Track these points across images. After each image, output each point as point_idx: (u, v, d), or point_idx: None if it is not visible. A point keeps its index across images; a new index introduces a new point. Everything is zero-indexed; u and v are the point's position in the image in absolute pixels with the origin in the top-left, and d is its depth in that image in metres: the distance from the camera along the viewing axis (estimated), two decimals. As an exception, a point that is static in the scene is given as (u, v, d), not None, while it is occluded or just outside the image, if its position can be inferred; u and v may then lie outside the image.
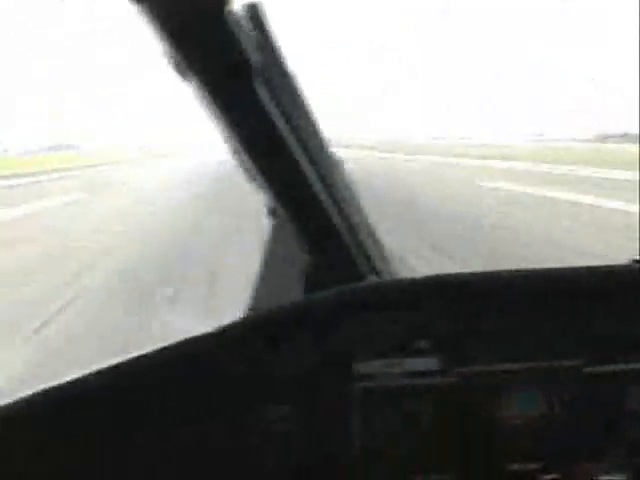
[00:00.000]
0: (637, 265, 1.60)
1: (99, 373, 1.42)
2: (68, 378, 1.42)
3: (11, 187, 23.30)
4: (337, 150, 1.59)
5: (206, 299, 6.67)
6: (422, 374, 1.49)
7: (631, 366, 1.53)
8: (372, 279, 1.60)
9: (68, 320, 6.26)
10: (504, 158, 28.94)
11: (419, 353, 1.49)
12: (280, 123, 1.34)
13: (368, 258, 1.61)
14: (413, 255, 7.87)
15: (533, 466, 1.51)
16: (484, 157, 30.44)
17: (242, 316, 1.62)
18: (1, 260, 9.41)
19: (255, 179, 1.53)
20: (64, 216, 14.64)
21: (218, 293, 6.86)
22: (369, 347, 1.48)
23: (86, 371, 1.42)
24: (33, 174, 29.41)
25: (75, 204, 16.77)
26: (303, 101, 1.44)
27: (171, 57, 1.27)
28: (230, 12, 1.19)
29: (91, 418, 1.42)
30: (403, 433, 1.49)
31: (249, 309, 1.60)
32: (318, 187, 1.46)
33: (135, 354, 1.43)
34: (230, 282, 6.89)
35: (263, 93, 1.30)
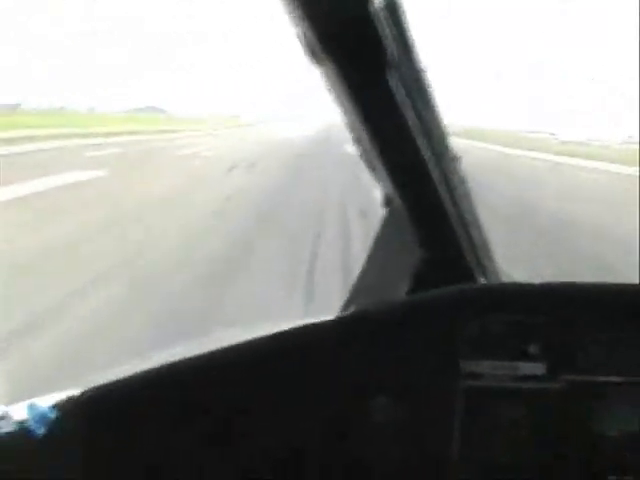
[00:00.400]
0: None
1: (212, 353, 1.45)
2: (176, 357, 1.45)
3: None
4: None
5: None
6: (528, 378, 1.50)
7: None
8: (482, 280, 1.61)
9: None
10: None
11: (528, 357, 1.50)
12: (408, 114, 1.35)
13: (478, 258, 1.61)
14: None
15: (629, 479, 1.50)
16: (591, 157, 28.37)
17: (345, 305, 1.64)
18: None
19: (374, 168, 1.54)
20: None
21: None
22: (478, 348, 1.49)
23: (194, 351, 1.46)
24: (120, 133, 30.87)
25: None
26: (431, 95, 1.44)
27: (305, 41, 1.29)
28: (372, 4, 1.21)
29: (206, 397, 1.45)
30: (503, 435, 1.50)
31: (352, 298, 1.62)
32: (438, 180, 1.46)
33: (247, 337, 1.46)
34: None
35: (395, 85, 1.30)
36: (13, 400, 1.40)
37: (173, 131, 38.71)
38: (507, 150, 31.49)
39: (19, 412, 1.35)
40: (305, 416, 1.46)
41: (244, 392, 1.45)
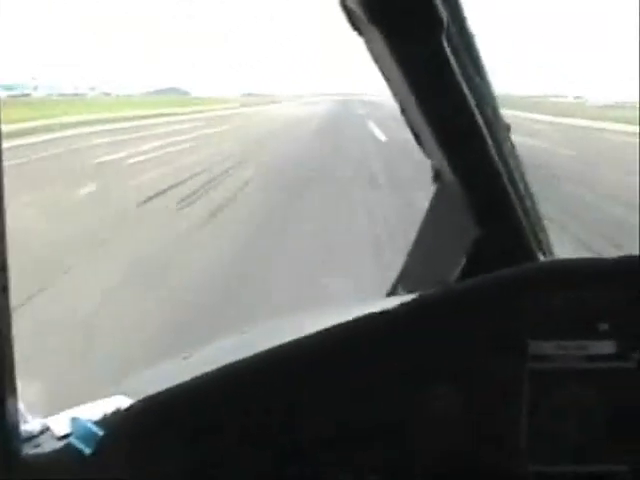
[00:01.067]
0: None
1: (268, 351, 1.39)
2: (223, 355, 1.40)
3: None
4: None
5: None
6: (598, 358, 1.44)
7: None
8: (541, 258, 1.55)
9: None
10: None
11: (597, 336, 1.44)
12: (460, 81, 1.29)
13: (536, 235, 1.55)
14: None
15: None
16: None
17: (395, 286, 1.60)
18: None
19: (423, 139, 1.49)
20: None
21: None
22: (544, 328, 1.43)
23: (242, 347, 1.42)
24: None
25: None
26: (482, 61, 1.38)
27: (350, 8, 1.24)
28: None
29: (266, 399, 1.39)
30: (573, 418, 1.45)
31: (403, 278, 1.57)
32: (492, 151, 1.40)
33: (309, 331, 1.40)
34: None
35: (446, 50, 1.25)
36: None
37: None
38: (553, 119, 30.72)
39: (60, 425, 1.26)
40: (363, 407, 1.41)
41: (303, 389, 1.40)
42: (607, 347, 1.43)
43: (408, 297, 1.47)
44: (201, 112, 42.88)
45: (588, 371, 1.44)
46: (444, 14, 1.21)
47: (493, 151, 1.41)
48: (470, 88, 1.32)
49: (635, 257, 1.47)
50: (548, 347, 1.43)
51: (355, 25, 1.30)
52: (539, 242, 1.56)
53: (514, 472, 1.45)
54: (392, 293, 1.62)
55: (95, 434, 1.23)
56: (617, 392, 1.44)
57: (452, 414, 1.42)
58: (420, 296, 1.48)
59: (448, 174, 1.47)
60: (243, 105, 58.27)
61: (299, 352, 1.39)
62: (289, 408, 1.39)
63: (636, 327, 1.44)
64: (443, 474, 1.44)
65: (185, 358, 1.50)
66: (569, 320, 1.43)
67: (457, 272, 1.52)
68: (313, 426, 1.40)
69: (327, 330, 1.39)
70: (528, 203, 1.54)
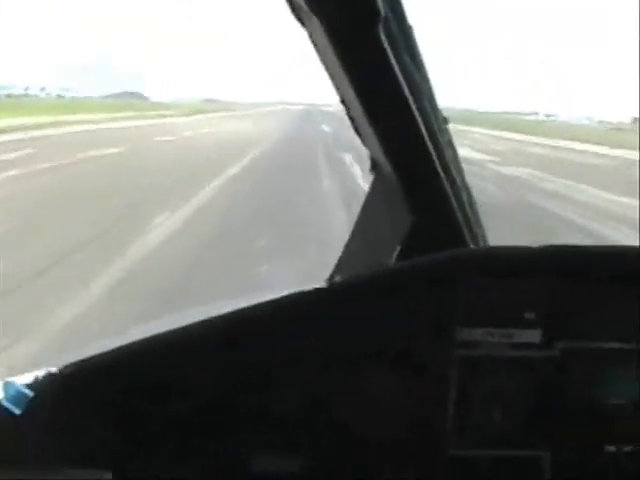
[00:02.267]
0: None
1: (204, 322, 1.46)
2: (174, 324, 1.47)
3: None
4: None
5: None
6: (524, 346, 1.51)
7: None
8: (472, 245, 1.61)
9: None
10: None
11: (523, 324, 1.50)
12: (397, 73, 1.36)
13: (469, 223, 1.63)
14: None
15: (628, 449, 1.53)
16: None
17: (334, 272, 1.66)
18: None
19: (361, 129, 1.56)
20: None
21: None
22: (472, 315, 1.49)
23: (190, 319, 1.47)
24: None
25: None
26: (419, 53, 1.46)
27: (292, 2, 1.31)
28: None
29: (194, 364, 1.45)
30: (498, 404, 1.51)
31: (342, 265, 1.64)
32: (428, 142, 1.48)
33: (241, 304, 1.47)
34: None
35: (385, 42, 1.32)
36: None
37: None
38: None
39: None
40: (295, 388, 1.47)
41: (228, 364, 1.46)
42: (533, 335, 1.50)
43: (342, 281, 1.54)
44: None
45: (514, 359, 1.51)
46: (382, 7, 1.28)
47: (429, 143, 1.48)
48: (408, 81, 1.39)
49: (562, 246, 1.56)
50: (476, 334, 1.49)
51: (298, 16, 1.38)
52: (472, 232, 1.63)
53: (439, 456, 1.51)
54: (331, 279, 1.69)
55: (25, 395, 1.32)
56: (541, 380, 1.52)
57: (382, 397, 1.48)
58: (351, 279, 1.55)
59: (385, 164, 1.55)
60: (189, 114, 56.84)
61: (226, 329, 1.46)
62: (215, 385, 1.45)
63: (561, 316, 1.51)
64: (371, 455, 1.49)
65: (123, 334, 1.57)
66: (497, 308, 1.50)
67: (393, 259, 1.58)
68: (242, 406, 1.46)
69: (255, 309, 1.46)
70: (463, 194, 1.61)
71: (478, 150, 23.90)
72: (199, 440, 1.44)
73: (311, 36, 1.42)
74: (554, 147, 29.37)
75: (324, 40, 1.32)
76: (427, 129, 1.47)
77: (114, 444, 1.42)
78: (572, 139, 32.48)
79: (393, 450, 1.49)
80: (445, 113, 1.56)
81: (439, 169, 1.52)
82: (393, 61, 1.35)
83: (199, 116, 55.25)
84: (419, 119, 1.45)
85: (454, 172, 1.59)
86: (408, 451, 1.50)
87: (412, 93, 1.41)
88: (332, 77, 1.49)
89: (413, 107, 1.42)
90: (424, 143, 1.47)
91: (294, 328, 1.46)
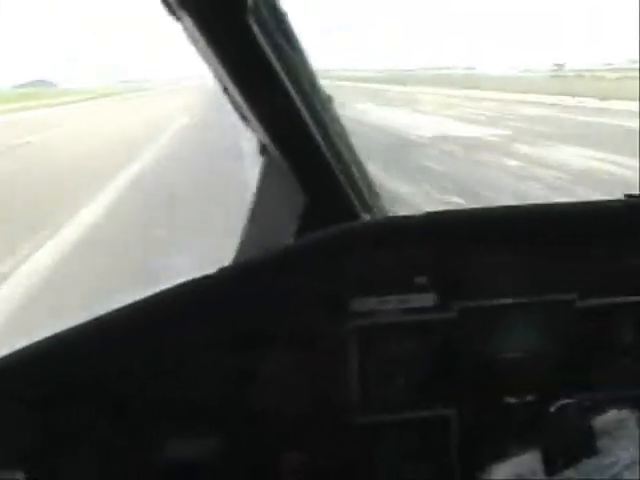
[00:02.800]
0: (630, 200, 1.70)
1: (110, 313, 1.49)
2: (81, 319, 1.49)
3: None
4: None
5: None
6: (419, 310, 1.58)
7: (623, 300, 1.64)
8: (367, 217, 1.68)
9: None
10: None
11: (416, 290, 1.57)
12: (272, 60, 1.41)
13: (361, 196, 1.69)
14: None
15: (529, 399, 1.63)
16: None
17: (236, 257, 1.71)
18: None
19: (246, 116, 1.61)
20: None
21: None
22: (365, 285, 1.56)
23: (93, 312, 1.49)
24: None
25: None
26: (295, 38, 1.51)
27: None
28: None
29: (99, 356, 1.49)
30: (399, 371, 1.59)
31: (243, 250, 1.69)
32: (310, 123, 1.53)
33: (137, 297, 1.50)
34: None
35: (256, 30, 1.35)
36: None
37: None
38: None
39: None
40: (201, 373, 1.52)
41: (134, 352, 1.51)
42: (427, 299, 1.58)
43: (237, 263, 1.60)
44: None
45: (410, 323, 1.59)
46: None
47: (312, 122, 1.53)
48: (285, 65, 1.44)
49: (447, 211, 1.65)
50: (370, 303, 1.56)
51: (172, 12, 1.40)
52: (366, 204, 1.70)
53: (347, 425, 1.58)
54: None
55: None
56: (439, 341, 1.60)
57: (286, 375, 1.54)
58: (246, 262, 1.61)
59: (272, 147, 1.60)
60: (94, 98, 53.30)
61: (131, 318, 1.51)
62: (122, 375, 1.49)
63: (453, 278, 1.59)
64: (280, 433, 1.56)
65: None
66: (389, 276, 1.57)
67: (291, 239, 1.64)
68: (150, 394, 1.51)
69: (158, 297, 1.50)
70: (353, 168, 1.68)
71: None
72: (111, 429, 1.49)
73: (186, 32, 1.44)
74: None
75: (197, 34, 1.35)
76: (309, 110, 1.52)
77: (24, 442, 1.45)
78: (500, 89, 32.84)
79: (301, 426, 1.56)
80: (363, 74, 1.59)
81: (325, 147, 1.58)
82: (267, 49, 1.39)
83: (104, 99, 52.40)
84: (299, 101, 1.49)
85: (342, 148, 1.65)
86: (316, 425, 1.56)
87: (290, 76, 1.46)
88: (211, 68, 1.53)
89: (292, 91, 1.47)
90: (306, 124, 1.52)
91: (197, 313, 1.51)
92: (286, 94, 1.47)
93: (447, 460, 1.63)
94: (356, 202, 1.67)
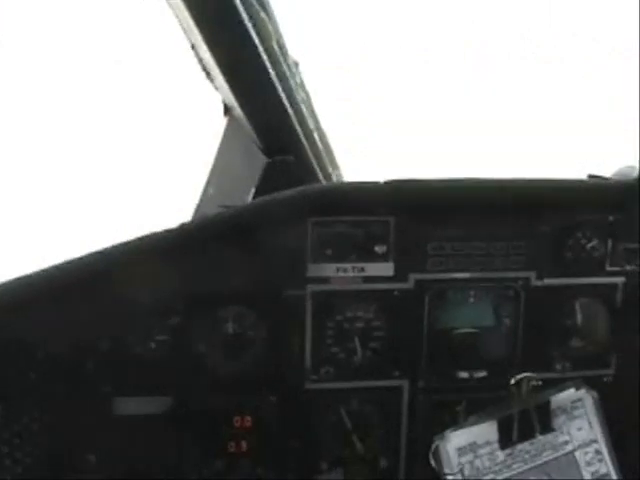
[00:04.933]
0: (592, 180, 1.77)
1: (69, 262, 1.49)
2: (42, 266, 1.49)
3: None
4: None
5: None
6: (376, 279, 1.62)
7: (579, 280, 1.71)
8: (327, 182, 1.73)
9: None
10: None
11: (375, 258, 1.61)
12: (243, 17, 1.44)
13: (322, 163, 1.74)
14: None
15: (481, 374, 1.69)
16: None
17: (194, 215, 1.75)
18: None
19: (212, 74, 1.64)
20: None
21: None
22: (325, 250, 1.59)
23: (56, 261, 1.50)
24: None
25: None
26: None
27: None
28: None
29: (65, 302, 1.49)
30: (354, 337, 1.63)
31: (201, 207, 1.73)
32: (277, 84, 1.57)
33: (108, 244, 1.50)
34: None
35: None
36: None
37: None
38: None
39: None
40: (153, 330, 1.55)
41: (85, 308, 1.51)
42: (385, 269, 1.62)
43: (195, 221, 1.62)
44: None
45: (367, 292, 1.62)
46: None
47: (278, 85, 1.57)
48: (254, 25, 1.47)
49: (408, 180, 1.64)
50: (328, 269, 1.60)
51: None
52: (326, 172, 1.76)
53: (297, 390, 1.63)
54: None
55: None
56: (396, 311, 1.64)
57: (240, 336, 1.58)
58: (204, 219, 1.62)
59: (237, 108, 1.63)
60: None
61: (83, 272, 1.51)
62: (73, 332, 1.52)
63: (412, 248, 1.63)
64: (229, 394, 1.60)
65: None
66: (348, 242, 1.60)
67: (248, 200, 1.67)
68: (101, 351, 1.53)
69: (112, 250, 1.51)
70: (315, 135, 1.73)
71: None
72: (62, 386, 1.51)
73: None
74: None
75: None
76: (276, 72, 1.56)
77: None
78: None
79: (252, 388, 1.61)
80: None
81: (290, 111, 1.62)
82: (239, 7, 1.42)
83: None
84: (267, 62, 1.53)
85: (306, 113, 1.70)
86: (266, 388, 1.61)
87: (259, 36, 1.49)
88: (180, 22, 1.56)
89: (261, 50, 1.50)
90: (273, 86, 1.56)
91: (151, 269, 1.52)
92: (254, 53, 1.49)
93: (396, 429, 1.69)
94: (317, 169, 1.72)
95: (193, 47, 1.62)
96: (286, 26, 1.64)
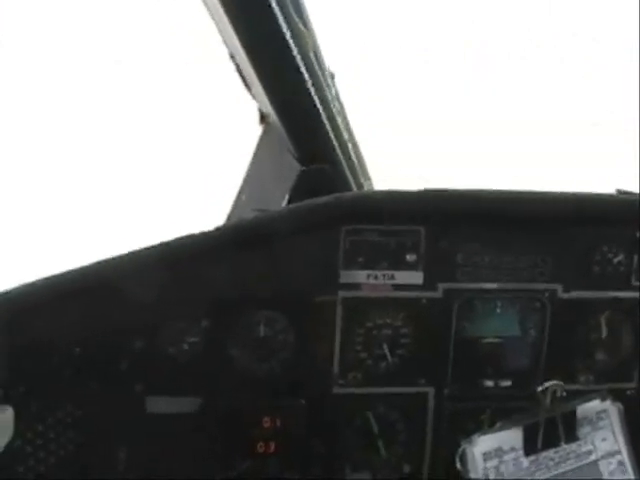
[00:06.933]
0: (621, 196, 1.81)
1: (104, 263, 1.56)
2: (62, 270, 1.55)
3: None
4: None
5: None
6: (406, 287, 1.68)
7: (605, 294, 1.76)
8: (360, 191, 1.79)
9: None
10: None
11: (405, 266, 1.67)
12: (282, 28, 1.49)
13: (355, 174, 1.80)
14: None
15: (505, 383, 1.75)
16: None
17: (228, 219, 1.81)
18: None
19: (250, 82, 1.71)
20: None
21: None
22: (356, 257, 1.65)
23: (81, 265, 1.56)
24: None
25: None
26: (305, 9, 1.63)
27: None
28: None
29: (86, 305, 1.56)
30: (382, 344, 1.70)
31: (234, 213, 1.78)
32: (314, 95, 1.63)
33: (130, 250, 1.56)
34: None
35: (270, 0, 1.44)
36: None
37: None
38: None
39: None
40: (186, 331, 1.62)
41: (119, 308, 1.58)
42: (415, 277, 1.68)
43: (230, 225, 1.70)
44: None
45: (396, 299, 1.69)
46: None
47: (315, 96, 1.64)
48: (293, 36, 1.54)
49: (440, 190, 1.69)
50: (359, 276, 1.66)
51: None
52: (358, 182, 1.83)
53: (324, 394, 1.69)
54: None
55: None
56: (424, 319, 1.70)
57: (271, 338, 1.65)
58: (239, 224, 1.68)
59: (273, 116, 1.70)
60: None
61: (115, 273, 1.58)
62: (106, 331, 1.59)
63: (442, 257, 1.69)
64: (257, 397, 1.67)
65: None
66: (379, 250, 1.66)
67: (282, 206, 1.74)
68: (134, 350, 1.60)
69: (145, 252, 1.57)
70: (349, 146, 1.80)
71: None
72: (96, 384, 1.59)
73: None
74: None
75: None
76: (314, 83, 1.63)
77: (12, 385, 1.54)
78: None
79: (279, 391, 1.67)
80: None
81: (325, 121, 1.69)
82: (279, 17, 1.48)
83: None
84: (305, 73, 1.60)
85: (341, 124, 1.77)
86: (294, 392, 1.68)
87: (298, 49, 1.56)
88: (221, 33, 1.63)
89: (299, 63, 1.57)
90: (310, 96, 1.63)
91: (184, 272, 1.59)
92: (293, 64, 1.56)
93: (421, 436, 1.76)
94: (350, 179, 1.79)
95: (232, 56, 1.68)
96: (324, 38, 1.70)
